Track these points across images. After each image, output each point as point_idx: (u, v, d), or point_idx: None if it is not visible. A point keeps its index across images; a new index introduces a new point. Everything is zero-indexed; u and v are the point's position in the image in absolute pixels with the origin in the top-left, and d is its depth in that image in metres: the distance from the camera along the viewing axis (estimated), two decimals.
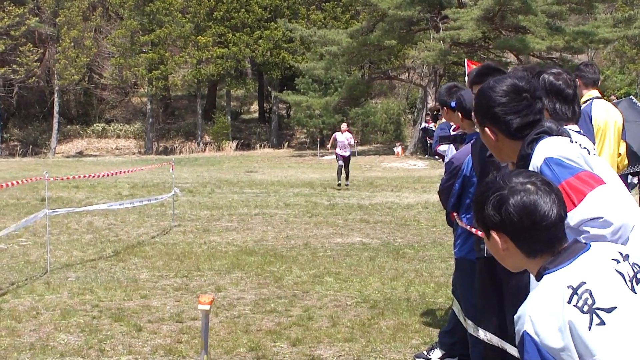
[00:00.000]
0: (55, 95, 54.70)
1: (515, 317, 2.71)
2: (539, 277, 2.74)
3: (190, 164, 40.48)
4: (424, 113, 45.06)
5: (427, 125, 42.32)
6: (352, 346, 8.14)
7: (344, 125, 28.25)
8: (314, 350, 8.02)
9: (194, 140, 56.84)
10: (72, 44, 52.95)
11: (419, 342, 8.26)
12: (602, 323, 2.53)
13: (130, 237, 15.90)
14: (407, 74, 56.05)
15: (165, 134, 59.03)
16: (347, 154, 27.00)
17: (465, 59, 16.36)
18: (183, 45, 55.10)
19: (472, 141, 6.12)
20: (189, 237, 15.72)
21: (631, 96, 10.62)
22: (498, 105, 3.85)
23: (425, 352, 7.75)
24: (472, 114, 4.14)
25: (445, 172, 7.02)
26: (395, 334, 8.52)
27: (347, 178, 27.02)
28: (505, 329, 5.78)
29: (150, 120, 56.35)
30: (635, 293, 2.63)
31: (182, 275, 11.84)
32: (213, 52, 53.99)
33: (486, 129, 3.91)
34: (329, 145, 29.07)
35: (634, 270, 2.69)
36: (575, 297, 2.57)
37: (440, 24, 42.82)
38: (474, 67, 14.58)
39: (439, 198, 7.21)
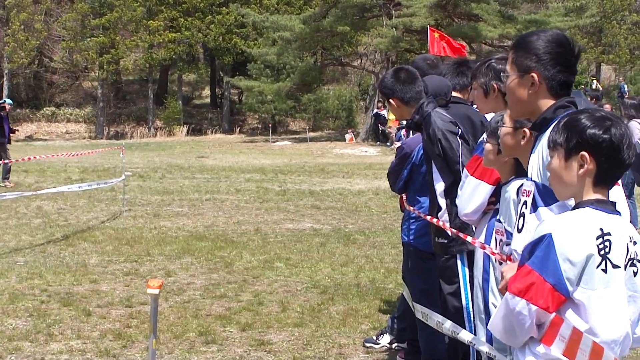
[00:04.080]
0: (5, 78, 53.89)
1: (542, 222, 3.28)
2: (581, 206, 3.22)
3: (142, 148, 40.22)
4: (376, 99, 45.15)
5: (378, 111, 42.45)
6: (301, 331, 8.18)
7: None
8: (263, 335, 8.05)
9: (145, 125, 56.28)
10: (22, 27, 52.16)
11: (368, 327, 8.32)
12: (605, 271, 3.12)
13: (80, 221, 15.80)
14: (359, 61, 56.04)
15: (116, 118, 58.44)
16: None
17: (428, 26, 15.83)
18: (134, 29, 54.47)
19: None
20: (139, 222, 15.65)
21: (578, 89, 10.79)
22: (552, 53, 3.77)
23: (374, 337, 7.81)
24: (513, 59, 3.88)
25: (395, 156, 7.01)
26: (344, 319, 8.57)
27: None
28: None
29: (101, 104, 55.74)
30: (624, 270, 3.20)
31: (132, 260, 11.80)
32: (165, 37, 53.48)
33: (533, 74, 3.77)
34: None
35: (634, 254, 3.24)
36: (600, 239, 3.12)
37: (393, 11, 42.87)
38: (437, 36, 14.29)
39: (387, 179, 7.20)
